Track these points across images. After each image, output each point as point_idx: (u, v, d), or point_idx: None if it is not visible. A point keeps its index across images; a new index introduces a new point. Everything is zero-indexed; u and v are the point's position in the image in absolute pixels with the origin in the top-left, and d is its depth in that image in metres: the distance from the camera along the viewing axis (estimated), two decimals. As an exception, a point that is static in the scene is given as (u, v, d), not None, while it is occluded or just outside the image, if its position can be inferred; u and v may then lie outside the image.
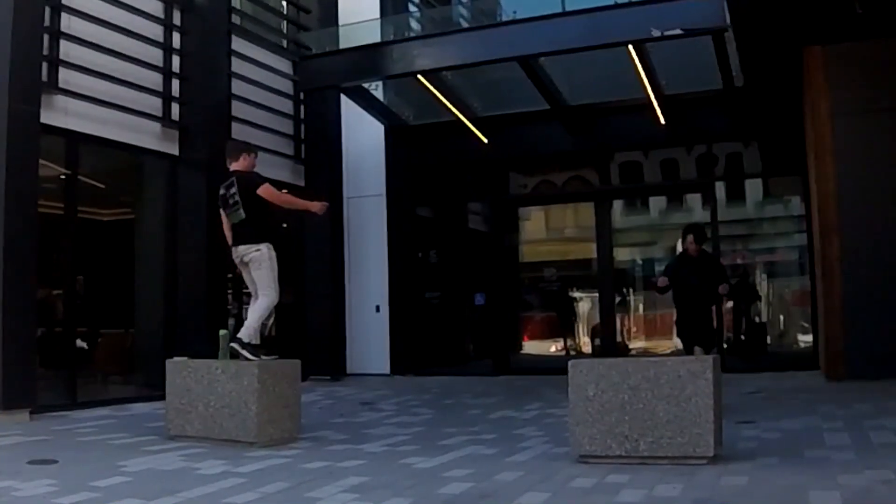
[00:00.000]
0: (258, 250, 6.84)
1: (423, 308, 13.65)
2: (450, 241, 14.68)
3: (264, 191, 6.87)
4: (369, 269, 13.36)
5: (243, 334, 6.76)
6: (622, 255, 14.21)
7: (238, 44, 11.74)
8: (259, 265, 6.85)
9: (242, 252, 6.93)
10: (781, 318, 13.44)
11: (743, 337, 13.01)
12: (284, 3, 13.45)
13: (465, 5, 14.40)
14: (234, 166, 7.10)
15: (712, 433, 5.04)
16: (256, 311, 6.89)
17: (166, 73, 10.53)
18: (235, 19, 11.99)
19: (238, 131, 11.50)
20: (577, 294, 14.55)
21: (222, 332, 7.25)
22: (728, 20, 8.82)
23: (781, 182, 12.77)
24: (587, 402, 5.30)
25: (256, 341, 6.84)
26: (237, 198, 6.90)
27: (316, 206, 7.28)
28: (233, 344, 6.73)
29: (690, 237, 8.58)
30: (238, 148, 7.29)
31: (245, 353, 6.65)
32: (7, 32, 8.19)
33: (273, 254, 6.90)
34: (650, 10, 9.77)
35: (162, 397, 7.11)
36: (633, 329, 14.12)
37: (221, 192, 7.09)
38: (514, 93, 12.42)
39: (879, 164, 9.21)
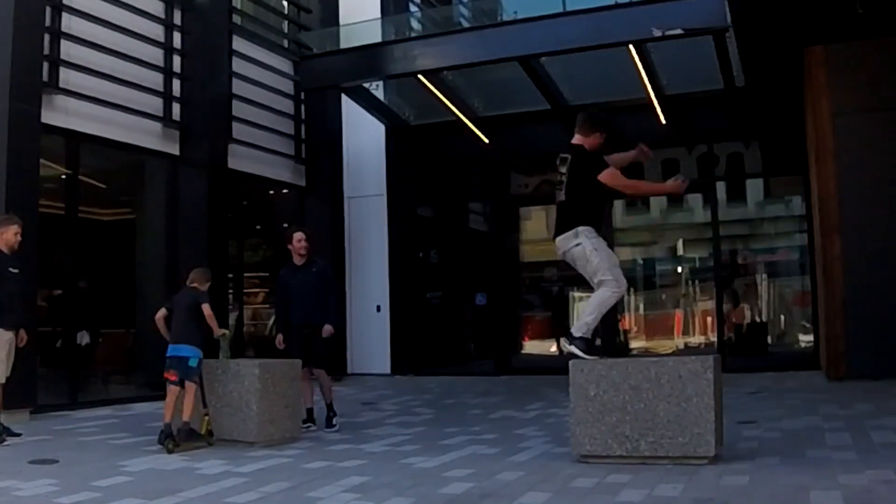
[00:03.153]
0: (578, 244, 5.63)
1: (424, 308, 13.64)
2: (450, 241, 14.66)
3: (608, 177, 5.66)
4: (370, 269, 13.36)
5: (574, 328, 5.69)
6: (623, 254, 14.12)
7: (239, 43, 11.75)
8: (586, 261, 5.63)
9: (560, 247, 5.76)
10: (782, 317, 13.42)
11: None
12: (285, 3, 13.45)
13: (465, 5, 14.39)
14: (577, 139, 5.88)
15: (713, 433, 5.03)
16: (590, 303, 5.71)
17: (167, 72, 10.54)
18: (236, 19, 11.99)
19: (239, 131, 11.52)
20: (577, 294, 14.53)
21: (223, 331, 7.24)
22: (729, 20, 8.82)
23: (782, 182, 12.77)
24: (588, 401, 5.30)
25: (589, 335, 5.66)
26: (564, 178, 5.80)
27: (671, 187, 6.06)
28: (562, 340, 5.84)
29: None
30: (593, 121, 6.02)
31: (573, 348, 5.58)
32: (8, 32, 8.21)
33: (596, 240, 5.65)
34: (651, 10, 9.77)
35: (163, 397, 7.08)
36: (634, 329, 14.10)
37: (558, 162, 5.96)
38: (514, 93, 12.41)
39: (880, 164, 9.20)
